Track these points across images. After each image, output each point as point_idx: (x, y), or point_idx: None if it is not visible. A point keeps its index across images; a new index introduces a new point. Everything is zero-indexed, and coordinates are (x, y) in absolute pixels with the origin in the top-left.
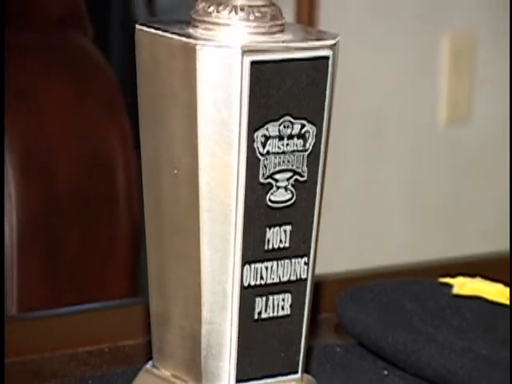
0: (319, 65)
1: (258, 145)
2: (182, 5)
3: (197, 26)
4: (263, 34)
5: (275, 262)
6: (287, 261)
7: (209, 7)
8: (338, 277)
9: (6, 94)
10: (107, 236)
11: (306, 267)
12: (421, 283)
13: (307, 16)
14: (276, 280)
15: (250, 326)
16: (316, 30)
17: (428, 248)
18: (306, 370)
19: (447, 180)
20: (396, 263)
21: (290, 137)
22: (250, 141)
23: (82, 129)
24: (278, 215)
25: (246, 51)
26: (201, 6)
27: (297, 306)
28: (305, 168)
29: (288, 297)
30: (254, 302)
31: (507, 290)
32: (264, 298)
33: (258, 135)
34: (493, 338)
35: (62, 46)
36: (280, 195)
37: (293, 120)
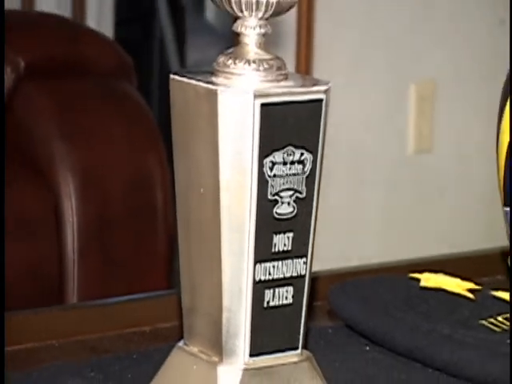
0: (315, 106)
1: (266, 169)
2: (206, 58)
3: (218, 75)
4: (271, 81)
5: (280, 262)
6: (290, 260)
7: (227, 60)
8: (330, 273)
9: (70, 128)
10: (148, 241)
11: (304, 266)
12: (394, 278)
13: (304, 65)
14: (281, 276)
15: (260, 312)
16: (312, 77)
17: (400, 250)
18: (304, 347)
19: (413, 197)
20: (374, 262)
21: (292, 163)
22: (260, 166)
23: (129, 156)
24: (283, 225)
25: (257, 95)
26: (221, 59)
27: (297, 296)
28: (304, 187)
29: (290, 289)
30: (264, 293)
31: (465, 283)
32: (271, 290)
33: (267, 161)
34: (452, 320)
35: (114, 93)
36: (284, 209)
37: (294, 149)
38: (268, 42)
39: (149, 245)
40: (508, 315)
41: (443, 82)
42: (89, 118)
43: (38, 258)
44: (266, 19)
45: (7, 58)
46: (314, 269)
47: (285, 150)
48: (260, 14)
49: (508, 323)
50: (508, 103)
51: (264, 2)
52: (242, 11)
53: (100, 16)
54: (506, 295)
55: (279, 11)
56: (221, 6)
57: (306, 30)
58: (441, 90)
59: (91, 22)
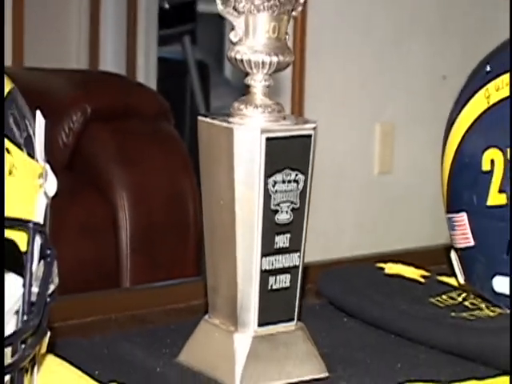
0: (306, 139)
1: (270, 186)
2: (225, 104)
3: (234, 117)
4: (273, 121)
5: (280, 256)
6: (287, 255)
7: (241, 105)
8: (318, 264)
9: (125, 158)
10: (183, 242)
11: (298, 258)
12: (364, 267)
13: (298, 108)
14: (281, 266)
15: (265, 293)
16: (303, 118)
17: (369, 245)
18: (298, 319)
19: (378, 206)
20: (350, 255)
21: (289, 181)
22: (265, 184)
23: (167, 178)
24: (282, 228)
25: (263, 131)
26: (236, 104)
27: (293, 281)
28: (298, 200)
29: (288, 276)
30: (268, 279)
31: (418, 270)
32: (274, 277)
33: (270, 180)
34: (407, 298)
35: (157, 130)
36: (283, 216)
37: (291, 171)
38: (271, 91)
39: (183, 244)
40: (451, 294)
41: (400, 123)
42: (138, 150)
43: (100, 254)
44: (269, 74)
45: (78, 106)
46: (306, 260)
47: (284, 171)
48: (265, 71)
49: (451, 300)
50: (448, 138)
51: (268, 62)
52: (251, 69)
53: (146, 73)
54: (448, 279)
55: (279, 68)
56: (236, 66)
57: (299, 82)
58: (398, 128)
59: (140, 78)
